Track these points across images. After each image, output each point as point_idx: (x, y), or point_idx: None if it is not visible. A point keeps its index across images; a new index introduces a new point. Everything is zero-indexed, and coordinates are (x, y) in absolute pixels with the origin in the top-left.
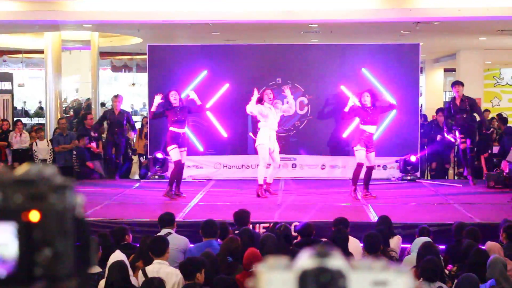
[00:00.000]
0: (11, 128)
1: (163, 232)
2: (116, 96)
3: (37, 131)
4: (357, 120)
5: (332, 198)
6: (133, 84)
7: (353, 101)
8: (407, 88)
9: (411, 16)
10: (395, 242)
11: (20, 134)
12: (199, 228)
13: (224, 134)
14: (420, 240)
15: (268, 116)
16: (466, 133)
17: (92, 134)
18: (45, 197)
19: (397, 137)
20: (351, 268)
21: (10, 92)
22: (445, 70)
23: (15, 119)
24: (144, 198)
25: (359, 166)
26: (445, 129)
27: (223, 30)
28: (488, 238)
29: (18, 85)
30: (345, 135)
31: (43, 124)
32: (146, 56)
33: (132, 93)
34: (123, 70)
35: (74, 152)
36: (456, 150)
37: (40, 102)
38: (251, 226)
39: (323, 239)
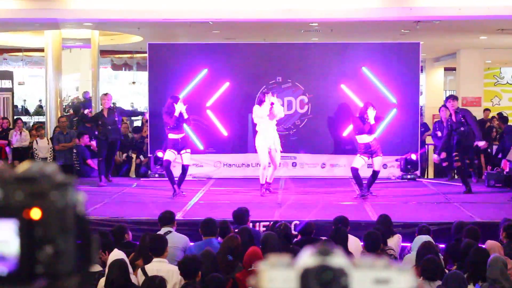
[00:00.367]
0: (11, 127)
1: (163, 230)
2: (105, 94)
3: (37, 129)
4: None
5: (332, 196)
6: (134, 83)
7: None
8: (407, 87)
9: (411, 15)
10: (395, 241)
11: (20, 133)
12: (199, 227)
13: (224, 132)
14: (421, 238)
15: (263, 117)
16: (463, 151)
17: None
18: (47, 195)
19: (397, 136)
20: (353, 266)
21: (11, 90)
22: (446, 69)
23: (15, 117)
24: (144, 197)
25: (353, 170)
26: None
27: (223, 29)
28: (488, 237)
29: (18, 83)
30: (345, 133)
31: (43, 123)
32: (146, 55)
33: (132, 91)
34: (123, 68)
35: (74, 151)
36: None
37: (40, 101)
38: (251, 224)
39: (323, 238)
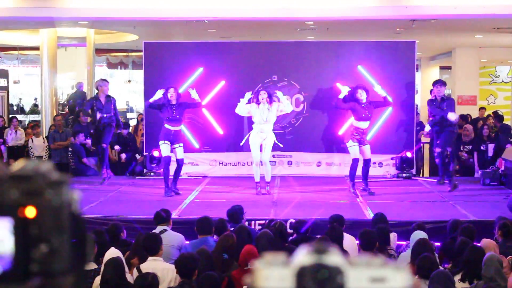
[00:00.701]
0: (6, 125)
1: (158, 229)
2: (105, 80)
3: (33, 127)
4: (352, 117)
5: (328, 195)
6: (129, 81)
7: (347, 90)
8: (403, 85)
9: (407, 13)
10: (391, 239)
11: (16, 131)
12: (194, 225)
13: (220, 131)
14: (417, 234)
15: (255, 115)
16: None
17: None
18: (42, 193)
19: (393, 134)
20: (349, 265)
21: (6, 89)
22: (441, 67)
23: (10, 116)
24: (139, 195)
25: (355, 161)
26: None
27: (219, 27)
28: (483, 235)
29: (13, 82)
30: (341, 132)
31: (38, 121)
32: (142, 53)
33: (127, 90)
34: (119, 67)
35: (70, 149)
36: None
37: (35, 99)
38: (246, 223)
39: (318, 236)
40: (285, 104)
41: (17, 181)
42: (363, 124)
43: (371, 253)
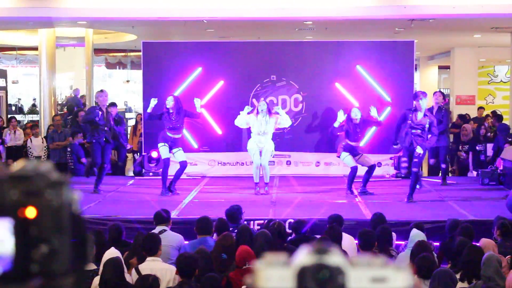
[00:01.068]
0: (5, 125)
1: (158, 229)
2: (101, 91)
3: (32, 127)
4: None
5: (326, 195)
6: (128, 81)
7: (342, 117)
8: (401, 85)
9: (405, 13)
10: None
11: (15, 131)
12: (193, 225)
13: (219, 131)
14: (416, 233)
15: (253, 126)
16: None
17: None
18: (42, 194)
19: (392, 134)
20: (350, 265)
21: (4, 89)
22: (440, 67)
23: (9, 116)
24: (138, 195)
25: (353, 169)
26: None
27: (217, 27)
28: (482, 235)
29: (12, 82)
30: (339, 132)
31: (37, 121)
32: (140, 53)
33: (126, 90)
34: (117, 67)
35: (69, 149)
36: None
37: (34, 99)
38: (245, 223)
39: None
40: (285, 119)
41: (17, 182)
42: (355, 143)
43: (370, 253)
